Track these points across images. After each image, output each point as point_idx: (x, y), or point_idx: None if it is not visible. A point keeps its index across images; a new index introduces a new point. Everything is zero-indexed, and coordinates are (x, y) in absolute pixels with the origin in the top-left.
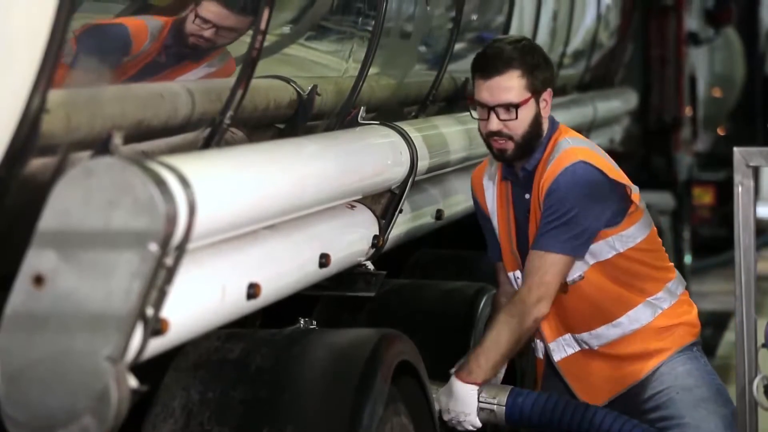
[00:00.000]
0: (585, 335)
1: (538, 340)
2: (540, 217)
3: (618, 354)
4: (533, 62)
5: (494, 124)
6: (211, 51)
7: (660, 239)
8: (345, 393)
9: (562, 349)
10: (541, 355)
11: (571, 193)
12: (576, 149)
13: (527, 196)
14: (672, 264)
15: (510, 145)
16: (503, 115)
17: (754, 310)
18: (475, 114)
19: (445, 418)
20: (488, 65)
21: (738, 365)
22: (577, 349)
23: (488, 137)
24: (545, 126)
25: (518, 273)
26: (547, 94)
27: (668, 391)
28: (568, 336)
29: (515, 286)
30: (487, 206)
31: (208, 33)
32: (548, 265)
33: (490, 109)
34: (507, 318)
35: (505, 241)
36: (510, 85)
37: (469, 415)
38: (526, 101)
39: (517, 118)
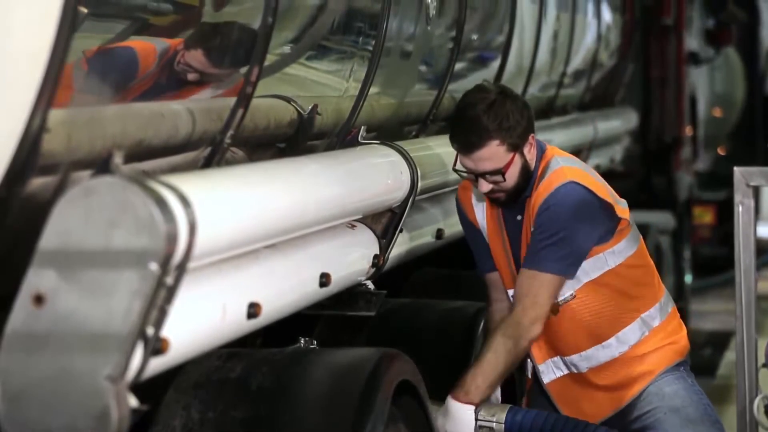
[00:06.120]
0: (575, 357)
1: (527, 360)
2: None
3: (605, 384)
4: (509, 124)
5: (485, 186)
6: (209, 79)
7: (649, 255)
8: (345, 412)
9: (551, 371)
10: (529, 374)
11: (562, 213)
12: (566, 169)
13: (519, 217)
14: (660, 280)
15: (502, 195)
16: (491, 179)
17: (754, 329)
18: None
19: None
20: (466, 141)
21: (738, 385)
22: (566, 372)
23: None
24: (533, 162)
25: None
26: (529, 142)
27: (655, 411)
28: (557, 358)
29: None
30: (477, 221)
31: (202, 65)
32: (541, 285)
33: (478, 174)
34: (503, 339)
35: (501, 259)
36: (491, 155)
37: None
38: (510, 163)
39: (504, 180)
